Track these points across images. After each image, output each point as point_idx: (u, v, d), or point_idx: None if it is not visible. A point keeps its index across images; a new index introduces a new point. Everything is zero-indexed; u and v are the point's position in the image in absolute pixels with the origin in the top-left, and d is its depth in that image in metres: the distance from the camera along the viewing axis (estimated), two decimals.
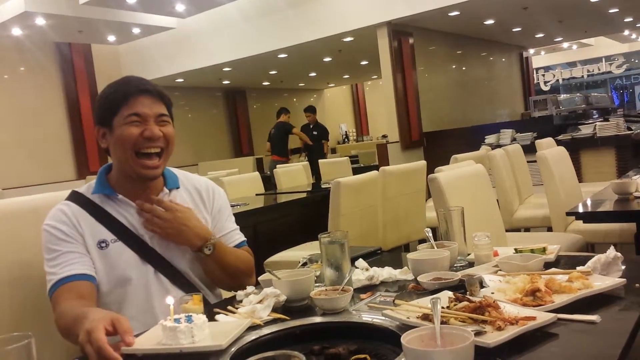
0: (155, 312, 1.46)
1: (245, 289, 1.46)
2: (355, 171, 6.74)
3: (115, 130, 1.48)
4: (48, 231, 1.46)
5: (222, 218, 1.66)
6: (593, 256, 1.32)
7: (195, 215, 1.55)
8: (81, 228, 1.48)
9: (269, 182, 5.77)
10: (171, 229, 1.49)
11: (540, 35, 11.45)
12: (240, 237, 1.69)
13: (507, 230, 2.94)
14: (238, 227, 1.71)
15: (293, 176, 5.77)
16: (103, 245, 1.48)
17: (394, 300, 1.25)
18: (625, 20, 10.53)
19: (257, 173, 5.62)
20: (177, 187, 1.61)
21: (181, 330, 1.10)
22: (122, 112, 1.47)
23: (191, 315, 1.14)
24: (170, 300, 1.18)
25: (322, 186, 4.96)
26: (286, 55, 9.12)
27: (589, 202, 2.65)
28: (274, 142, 8.90)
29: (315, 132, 9.08)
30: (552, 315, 1.03)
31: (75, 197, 1.54)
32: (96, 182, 1.55)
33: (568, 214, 2.40)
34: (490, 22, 8.82)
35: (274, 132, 8.96)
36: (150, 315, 1.45)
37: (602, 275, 1.25)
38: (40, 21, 7.41)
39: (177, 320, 1.12)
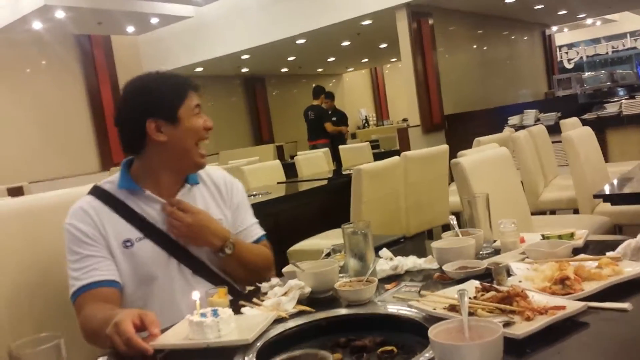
0: (180, 307, 1.46)
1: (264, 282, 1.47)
2: (376, 156, 6.71)
3: (182, 121, 1.48)
4: (70, 232, 1.45)
5: (241, 213, 1.66)
6: (622, 241, 1.29)
7: (212, 217, 1.55)
8: (104, 229, 1.46)
9: (290, 170, 5.76)
10: (191, 232, 1.49)
11: (563, 12, 11.19)
12: (259, 232, 1.69)
13: (532, 214, 2.90)
14: (257, 220, 1.71)
15: (314, 163, 5.76)
16: (128, 244, 1.47)
17: (419, 291, 1.24)
18: None
19: (277, 161, 5.62)
20: (197, 183, 1.61)
21: (208, 324, 1.11)
22: (187, 102, 1.50)
23: (217, 309, 1.14)
24: (196, 295, 1.19)
25: (343, 172, 4.94)
26: (304, 41, 9.07)
27: (615, 184, 2.59)
28: (313, 127, 8.65)
29: (334, 119, 8.98)
30: (582, 304, 1.01)
31: (98, 193, 1.52)
32: (120, 176, 1.53)
33: (595, 196, 2.35)
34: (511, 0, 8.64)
35: (313, 117, 8.67)
36: (175, 310, 1.45)
37: (632, 260, 1.22)
38: (59, 14, 7.47)
39: (203, 315, 1.13)
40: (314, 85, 9.40)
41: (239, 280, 1.61)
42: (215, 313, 1.13)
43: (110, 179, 1.56)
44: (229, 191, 1.65)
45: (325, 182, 4.59)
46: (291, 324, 1.17)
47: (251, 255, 1.59)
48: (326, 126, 8.60)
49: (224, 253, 1.51)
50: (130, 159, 1.58)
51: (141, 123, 1.47)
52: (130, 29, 8.90)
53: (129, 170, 1.56)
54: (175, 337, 1.16)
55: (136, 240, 1.47)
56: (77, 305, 1.40)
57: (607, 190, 2.43)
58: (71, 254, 1.44)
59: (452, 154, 3.00)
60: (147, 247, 1.48)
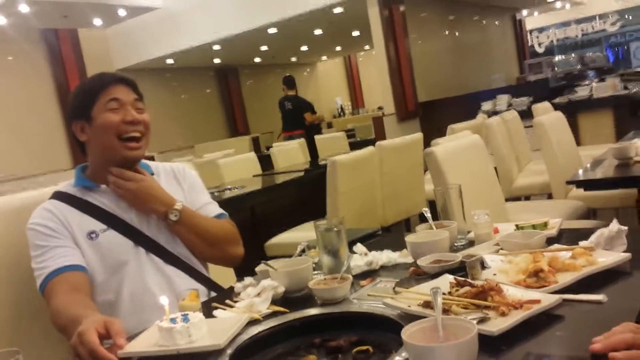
0: (152, 291, 1.48)
1: (235, 261, 1.56)
2: (352, 146, 6.70)
3: (95, 120, 1.51)
4: (34, 229, 1.46)
5: (194, 193, 1.69)
6: (596, 229, 1.29)
7: (159, 184, 1.59)
8: (68, 223, 1.49)
9: (265, 162, 5.71)
10: (136, 199, 1.53)
11: None
12: (216, 210, 1.71)
13: (507, 200, 2.92)
14: (215, 202, 1.74)
15: (290, 155, 5.73)
16: (93, 235, 1.49)
17: (394, 287, 1.22)
18: None
19: (253, 153, 5.57)
20: (152, 174, 1.64)
21: (177, 330, 1.08)
22: (101, 99, 1.51)
23: (187, 314, 1.11)
24: (164, 300, 1.15)
25: (320, 163, 4.92)
26: (276, 30, 8.98)
27: (588, 169, 2.61)
28: (290, 118, 8.36)
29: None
30: (557, 297, 1.01)
31: (59, 195, 1.55)
32: (75, 177, 1.58)
33: (568, 182, 2.37)
34: None
35: (291, 107, 8.36)
36: (148, 295, 1.48)
37: (606, 250, 1.22)
38: (23, 8, 7.26)
39: (173, 320, 1.10)
40: (286, 74, 9.19)
41: (204, 256, 1.64)
42: (185, 318, 1.10)
43: (67, 182, 1.60)
44: (181, 175, 1.71)
45: (301, 173, 4.56)
46: (264, 326, 1.15)
47: (206, 225, 1.61)
48: (306, 116, 8.47)
49: (170, 220, 1.54)
50: (83, 165, 1.63)
51: (72, 126, 1.57)
52: (98, 21, 8.71)
53: (84, 172, 1.61)
54: (144, 343, 1.12)
55: (101, 232, 1.50)
56: (46, 293, 1.39)
57: (580, 175, 2.45)
58: (36, 249, 1.44)
59: (427, 142, 3.00)
60: (112, 237, 1.50)
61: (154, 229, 1.56)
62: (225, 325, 1.14)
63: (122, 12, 8.34)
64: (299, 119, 8.34)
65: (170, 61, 10.11)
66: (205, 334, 1.11)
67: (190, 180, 1.72)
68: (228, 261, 1.68)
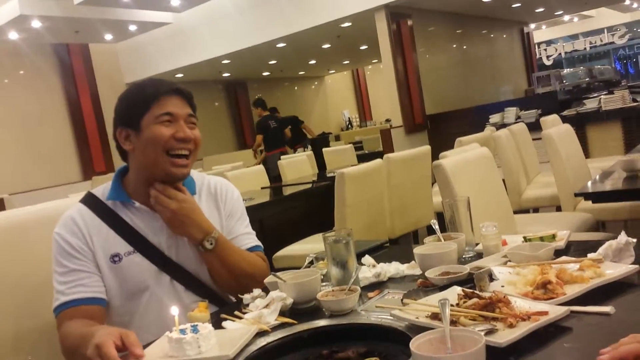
0: (169, 323, 1.42)
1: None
2: (360, 158, 6.72)
3: (144, 131, 1.42)
4: (58, 242, 1.42)
5: (232, 222, 1.60)
6: (604, 241, 1.29)
7: (199, 208, 1.50)
8: (92, 242, 1.42)
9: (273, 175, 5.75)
10: (173, 219, 1.44)
11: (541, 9, 11.31)
12: (252, 242, 1.62)
13: (515, 212, 2.91)
14: (253, 232, 1.65)
15: (297, 167, 5.75)
16: (116, 259, 1.43)
17: (402, 299, 1.22)
18: None
19: (261, 166, 5.60)
20: (193, 194, 1.55)
21: (187, 341, 1.08)
22: (153, 111, 1.42)
23: (197, 325, 1.12)
24: (175, 310, 1.16)
25: (327, 175, 4.93)
26: (284, 45, 9.06)
27: (597, 181, 2.60)
28: (273, 136, 8.33)
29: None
30: (565, 308, 1.00)
31: (90, 201, 1.47)
32: (111, 186, 1.49)
33: (577, 194, 2.36)
34: None
35: (275, 124, 8.37)
36: (164, 325, 1.37)
37: (614, 262, 1.22)
38: (36, 24, 7.39)
39: (182, 331, 1.10)
40: (256, 97, 9.14)
41: (227, 288, 1.55)
42: (194, 329, 1.11)
43: (104, 187, 1.51)
44: (222, 197, 1.60)
45: (309, 186, 4.58)
46: (273, 337, 1.15)
47: (237, 258, 1.52)
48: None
49: (204, 247, 1.46)
50: (124, 167, 1.53)
51: (116, 132, 1.48)
52: (108, 36, 8.83)
53: (122, 179, 1.51)
54: (154, 354, 1.13)
55: (125, 255, 1.43)
56: (58, 319, 1.37)
57: (588, 188, 2.45)
58: (58, 265, 1.40)
59: (435, 154, 3.00)
60: (136, 261, 1.43)
61: (182, 256, 1.49)
62: (234, 336, 1.15)
63: (132, 28, 8.46)
64: (280, 136, 8.45)
65: (179, 75, 10.20)
66: (214, 345, 1.11)
67: (231, 205, 1.61)
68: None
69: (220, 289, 1.56)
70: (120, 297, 1.43)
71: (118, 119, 1.47)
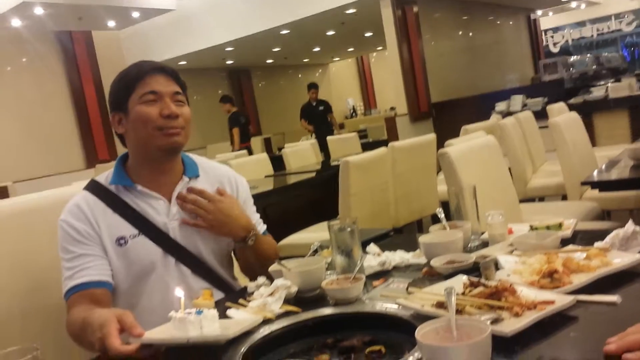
0: (176, 305, 1.43)
1: None
2: (365, 146, 6.70)
3: (131, 112, 1.44)
4: (64, 229, 1.42)
5: (247, 209, 1.61)
6: (611, 230, 1.28)
7: (238, 204, 1.51)
8: (98, 226, 1.43)
9: (278, 163, 5.73)
10: (215, 221, 1.46)
11: None
12: (263, 227, 1.67)
13: (521, 201, 2.90)
14: (259, 214, 1.69)
15: (302, 155, 5.73)
16: (122, 242, 1.43)
17: (407, 287, 1.22)
18: None
19: (265, 154, 5.59)
20: (197, 176, 1.55)
21: (190, 320, 1.08)
22: (137, 91, 1.43)
23: (202, 310, 1.12)
24: (180, 292, 1.16)
25: (332, 164, 4.92)
26: (288, 32, 9.01)
27: (603, 170, 2.59)
28: (241, 132, 8.88)
29: (321, 108, 8.98)
30: (571, 297, 1.00)
31: (94, 188, 1.49)
32: (114, 172, 1.50)
33: (583, 183, 2.35)
34: None
35: (244, 120, 9.00)
36: (170, 307, 1.37)
37: (621, 251, 1.21)
38: (38, 10, 7.35)
39: (187, 313, 1.11)
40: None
41: (251, 272, 1.57)
42: (199, 312, 1.11)
43: (107, 174, 1.52)
44: (234, 189, 1.60)
45: (313, 174, 4.57)
46: (277, 325, 1.15)
47: (266, 246, 1.57)
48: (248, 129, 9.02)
49: (246, 244, 1.49)
50: (125, 153, 1.54)
51: (110, 118, 1.52)
52: (111, 23, 8.80)
53: (124, 165, 1.52)
54: (157, 334, 1.13)
55: (130, 238, 1.44)
56: (68, 304, 1.38)
57: (594, 176, 2.43)
58: (64, 252, 1.41)
59: (440, 142, 2.98)
60: (142, 244, 1.44)
61: (187, 238, 1.49)
62: (238, 321, 1.15)
63: (135, 14, 8.42)
64: (247, 132, 9.00)
65: (182, 62, 10.17)
66: (217, 327, 1.11)
67: (244, 195, 1.62)
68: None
69: (245, 274, 1.60)
70: (127, 280, 1.44)
71: (110, 104, 1.51)
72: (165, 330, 1.14)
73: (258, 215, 1.68)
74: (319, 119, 8.91)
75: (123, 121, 1.47)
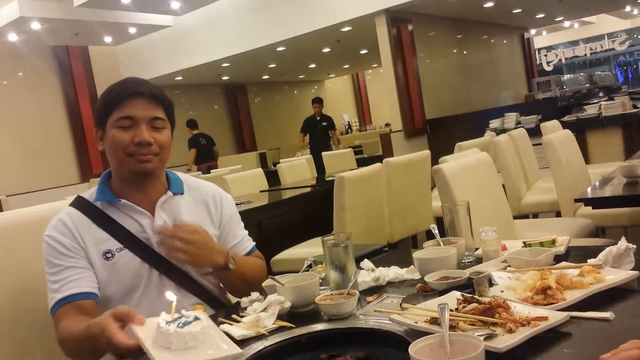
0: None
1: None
2: (360, 162, 6.71)
3: (107, 133, 1.44)
4: (49, 243, 1.42)
5: (233, 226, 1.61)
6: (604, 247, 1.28)
7: (207, 232, 1.48)
8: (83, 241, 1.43)
9: (273, 178, 5.73)
10: (200, 251, 1.42)
11: (541, 15, 11.33)
12: (251, 243, 1.66)
13: (515, 217, 2.91)
14: (247, 232, 1.68)
15: (297, 170, 5.74)
16: (109, 255, 1.43)
17: (401, 303, 1.21)
18: None
19: (260, 169, 5.58)
20: (182, 193, 1.55)
21: (173, 333, 1.05)
22: (115, 114, 1.43)
23: (196, 316, 1.11)
24: (171, 296, 1.14)
25: (327, 179, 4.93)
26: (284, 48, 9.07)
27: (597, 187, 2.60)
28: (205, 151, 9.09)
29: (324, 123, 9.01)
30: (565, 314, 1.00)
31: (80, 204, 1.48)
32: (97, 188, 1.50)
33: (577, 200, 2.36)
34: (489, 4, 8.72)
35: (205, 142, 9.14)
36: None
37: (613, 267, 1.21)
38: (35, 26, 7.39)
39: (175, 320, 1.08)
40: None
41: (237, 293, 1.55)
42: (184, 324, 1.08)
43: (92, 190, 1.52)
44: (218, 206, 1.59)
45: (308, 189, 4.57)
46: (270, 341, 1.14)
47: (249, 268, 1.56)
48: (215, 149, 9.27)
49: (228, 269, 1.46)
50: (110, 170, 1.54)
51: (94, 131, 1.52)
52: (108, 39, 8.84)
53: (109, 181, 1.52)
54: (146, 333, 1.10)
55: (117, 251, 1.43)
56: (55, 318, 1.37)
57: (588, 193, 2.44)
58: (50, 266, 1.40)
59: (435, 159, 3.00)
60: (128, 258, 1.44)
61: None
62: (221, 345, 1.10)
63: (132, 30, 8.47)
64: (209, 152, 9.16)
65: (179, 78, 10.21)
66: (201, 344, 1.07)
67: (230, 211, 1.61)
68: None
69: (232, 294, 1.59)
70: (116, 293, 1.43)
71: (94, 118, 1.52)
72: (150, 331, 1.10)
73: (246, 232, 1.67)
74: (320, 133, 8.95)
75: (103, 138, 1.48)
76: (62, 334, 1.33)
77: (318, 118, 9.04)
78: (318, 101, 9.11)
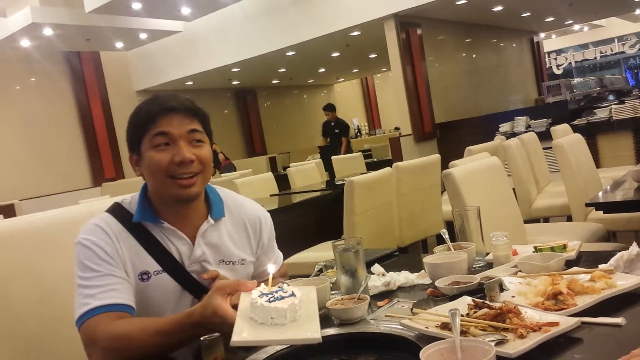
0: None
1: None
2: (369, 166, 6.71)
3: (144, 156, 1.32)
4: (86, 246, 1.28)
5: (270, 247, 1.55)
6: (615, 252, 1.28)
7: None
8: (122, 251, 1.31)
9: (282, 182, 5.75)
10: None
11: (551, 19, 11.29)
12: (281, 255, 1.62)
13: (526, 222, 2.89)
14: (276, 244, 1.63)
15: (307, 175, 5.75)
16: (145, 277, 1.32)
17: (411, 308, 1.22)
18: None
19: (270, 173, 5.61)
20: (222, 216, 1.44)
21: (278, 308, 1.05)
22: (149, 133, 1.31)
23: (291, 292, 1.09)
24: (271, 268, 1.15)
25: (336, 183, 4.93)
26: (294, 53, 9.10)
27: (608, 191, 2.59)
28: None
29: (337, 130, 9.08)
30: (576, 319, 1.00)
31: (119, 213, 1.36)
32: (138, 206, 1.37)
33: (588, 204, 2.35)
34: (498, 8, 8.71)
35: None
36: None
37: (625, 273, 1.21)
38: (47, 31, 7.47)
39: (272, 292, 1.07)
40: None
41: None
42: (275, 299, 1.06)
43: (130, 200, 1.40)
44: (257, 229, 1.50)
45: (318, 193, 4.58)
46: (282, 345, 1.15)
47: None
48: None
49: None
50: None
51: (129, 157, 1.42)
52: (119, 44, 8.91)
53: (147, 197, 1.40)
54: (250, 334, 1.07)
55: (154, 274, 1.33)
56: (88, 328, 1.21)
57: (599, 198, 2.43)
58: (85, 270, 1.26)
59: (444, 162, 3.00)
60: (164, 281, 1.34)
61: (202, 272, 1.39)
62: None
63: (143, 36, 8.53)
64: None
65: (189, 83, 10.26)
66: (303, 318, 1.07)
67: (268, 233, 1.53)
68: None
69: None
70: (138, 316, 1.31)
71: (127, 142, 1.39)
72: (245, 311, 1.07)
73: (276, 245, 1.61)
74: (333, 138, 9.07)
75: (139, 163, 1.36)
76: (120, 332, 1.19)
77: (332, 124, 9.13)
78: (327, 108, 9.20)
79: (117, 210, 1.37)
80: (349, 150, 9.12)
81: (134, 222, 1.35)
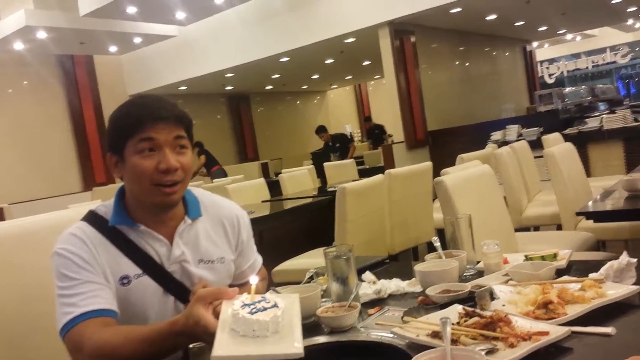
0: None
1: None
2: (361, 173, 6.72)
3: (127, 161, 1.32)
4: (63, 255, 1.27)
5: (248, 248, 1.55)
6: (605, 261, 1.28)
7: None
8: (100, 258, 1.30)
9: (274, 188, 5.74)
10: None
11: (543, 28, 11.39)
12: (259, 259, 1.61)
13: (516, 230, 2.90)
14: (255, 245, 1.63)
15: (299, 181, 5.74)
16: (125, 282, 1.31)
17: (402, 316, 1.22)
18: (628, 10, 10.46)
19: (262, 179, 5.60)
20: (199, 216, 1.44)
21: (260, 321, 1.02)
22: (134, 138, 1.30)
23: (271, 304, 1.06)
24: (253, 279, 1.11)
25: (328, 190, 4.93)
26: (288, 59, 9.12)
27: (598, 200, 2.60)
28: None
29: (337, 145, 9.18)
30: (566, 329, 1.00)
31: (94, 220, 1.35)
32: (113, 210, 1.37)
33: (578, 213, 2.36)
34: (492, 17, 8.77)
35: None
36: None
37: (615, 282, 1.22)
38: (41, 35, 7.44)
39: (255, 303, 1.05)
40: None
41: None
42: (257, 310, 1.04)
43: (106, 207, 1.39)
44: (235, 228, 1.50)
45: (310, 200, 4.57)
46: None
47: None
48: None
49: None
50: (123, 187, 1.42)
51: (106, 157, 1.40)
52: (113, 48, 8.90)
53: (123, 201, 1.40)
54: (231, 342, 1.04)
55: (134, 278, 1.32)
56: (72, 336, 1.20)
57: (589, 207, 2.44)
58: (64, 279, 1.25)
59: (436, 170, 3.00)
60: (145, 284, 1.34)
61: (184, 276, 1.39)
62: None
63: (137, 40, 8.52)
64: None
65: (182, 87, 10.25)
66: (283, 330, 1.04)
67: (246, 233, 1.53)
68: None
69: None
70: (123, 318, 1.31)
71: (107, 143, 1.38)
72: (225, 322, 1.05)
73: (255, 248, 1.61)
74: (340, 151, 9.14)
75: (119, 165, 1.35)
76: (106, 341, 1.18)
77: (330, 143, 9.23)
78: (319, 131, 9.33)
79: (92, 218, 1.36)
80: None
81: (110, 228, 1.34)
